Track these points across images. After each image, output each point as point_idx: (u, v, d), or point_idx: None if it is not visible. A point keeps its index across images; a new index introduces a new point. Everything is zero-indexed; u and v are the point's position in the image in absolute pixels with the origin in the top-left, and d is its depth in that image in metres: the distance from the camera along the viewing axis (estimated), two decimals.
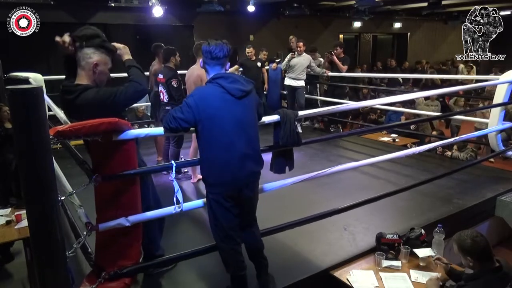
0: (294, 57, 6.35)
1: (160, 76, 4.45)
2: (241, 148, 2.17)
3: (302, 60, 6.36)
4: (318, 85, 7.55)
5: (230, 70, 6.32)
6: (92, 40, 2.20)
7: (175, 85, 4.32)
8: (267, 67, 7.17)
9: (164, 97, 4.43)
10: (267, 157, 2.69)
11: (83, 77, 2.22)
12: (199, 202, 2.45)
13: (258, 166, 2.28)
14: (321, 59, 7.29)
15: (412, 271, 2.73)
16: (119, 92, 2.14)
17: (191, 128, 2.17)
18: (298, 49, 6.32)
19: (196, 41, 9.72)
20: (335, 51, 6.66)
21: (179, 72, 4.57)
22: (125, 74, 2.28)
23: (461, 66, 12.00)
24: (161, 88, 4.46)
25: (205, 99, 2.14)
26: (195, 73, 4.19)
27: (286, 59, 6.40)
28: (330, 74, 6.73)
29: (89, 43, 2.19)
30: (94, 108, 2.09)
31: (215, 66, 2.24)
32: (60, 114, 3.14)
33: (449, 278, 2.55)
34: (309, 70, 6.58)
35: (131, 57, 2.30)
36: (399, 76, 10.55)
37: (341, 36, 13.14)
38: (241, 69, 6.72)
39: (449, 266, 2.56)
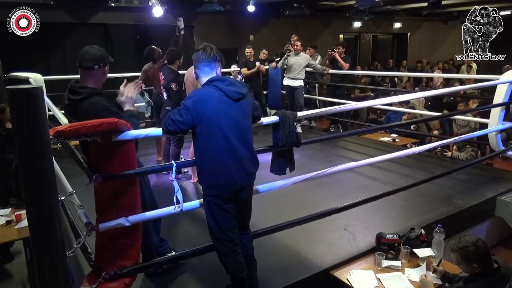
0: (290, 55, 6.35)
1: (162, 76, 4.47)
2: (239, 150, 2.18)
3: (300, 59, 6.35)
4: (316, 85, 7.56)
5: (244, 72, 6.41)
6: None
7: (174, 89, 4.36)
8: (266, 67, 7.17)
9: (164, 93, 4.50)
10: (267, 157, 2.69)
11: (89, 80, 2.30)
12: (199, 202, 2.45)
13: (255, 168, 2.31)
14: (319, 56, 7.32)
15: (406, 269, 2.75)
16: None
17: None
18: (295, 47, 6.31)
19: (196, 41, 9.82)
20: (336, 50, 6.67)
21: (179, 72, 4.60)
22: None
23: (462, 66, 12.03)
24: (161, 85, 4.53)
25: (203, 101, 2.15)
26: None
27: (283, 58, 6.42)
28: (331, 71, 6.75)
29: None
30: (97, 117, 2.12)
31: (204, 68, 2.26)
32: (59, 114, 3.15)
33: (443, 281, 2.55)
34: (310, 68, 6.59)
35: (132, 108, 2.39)
36: (402, 74, 10.58)
37: (341, 36, 13.13)
38: (238, 69, 6.73)
39: (443, 271, 2.56)
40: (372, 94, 9.33)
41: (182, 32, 4.98)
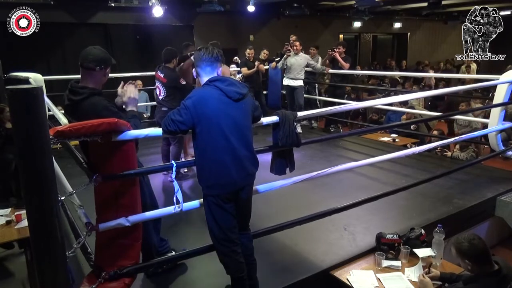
0: (289, 55, 6.35)
1: (161, 75, 4.47)
2: (239, 150, 2.19)
3: (300, 60, 6.35)
4: (316, 85, 7.57)
5: (244, 71, 6.42)
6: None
7: (183, 82, 4.42)
8: (266, 67, 7.18)
9: (161, 92, 4.48)
10: (267, 157, 2.69)
11: (89, 80, 2.31)
12: (199, 202, 2.45)
13: (254, 168, 2.31)
14: (319, 57, 7.33)
15: (406, 269, 2.75)
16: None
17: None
18: (294, 48, 6.31)
19: (196, 41, 9.83)
20: (337, 50, 6.67)
21: None
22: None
23: (462, 67, 12.03)
24: (157, 84, 4.53)
25: (203, 101, 2.15)
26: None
27: (283, 58, 6.43)
28: (331, 71, 6.75)
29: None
30: (97, 117, 2.12)
31: (206, 67, 2.26)
32: (59, 114, 3.15)
33: (442, 282, 2.55)
34: (310, 68, 6.59)
35: (134, 108, 2.39)
36: (401, 74, 10.58)
37: (341, 36, 13.13)
38: (238, 68, 6.73)
39: (439, 274, 2.56)
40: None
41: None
